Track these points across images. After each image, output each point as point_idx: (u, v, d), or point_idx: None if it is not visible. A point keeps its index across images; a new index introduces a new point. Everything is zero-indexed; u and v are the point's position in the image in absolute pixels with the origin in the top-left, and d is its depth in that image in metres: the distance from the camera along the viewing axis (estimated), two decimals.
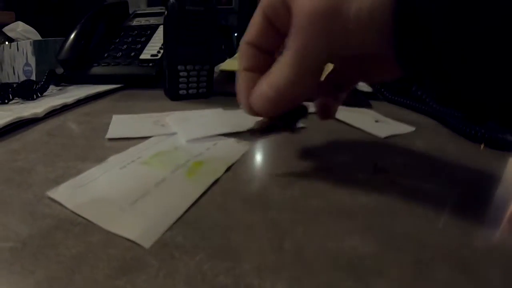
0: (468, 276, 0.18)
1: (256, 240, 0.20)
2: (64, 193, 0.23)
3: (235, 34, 1.25)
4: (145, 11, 0.74)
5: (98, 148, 0.32)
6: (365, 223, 0.22)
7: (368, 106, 0.54)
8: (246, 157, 0.31)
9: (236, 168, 0.28)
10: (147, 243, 0.18)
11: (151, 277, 0.16)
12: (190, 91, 0.51)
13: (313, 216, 0.22)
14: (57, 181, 0.25)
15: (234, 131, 0.36)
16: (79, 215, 0.21)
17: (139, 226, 0.20)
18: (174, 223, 0.21)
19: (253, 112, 0.26)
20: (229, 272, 0.17)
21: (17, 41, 0.73)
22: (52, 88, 0.59)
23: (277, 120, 0.27)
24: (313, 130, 0.40)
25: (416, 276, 0.17)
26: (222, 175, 0.27)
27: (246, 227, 0.21)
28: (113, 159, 0.29)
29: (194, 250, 0.18)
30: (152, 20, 0.70)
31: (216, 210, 0.22)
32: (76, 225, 0.20)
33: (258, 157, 0.32)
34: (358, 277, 0.17)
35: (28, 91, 0.51)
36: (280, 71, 0.23)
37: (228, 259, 0.18)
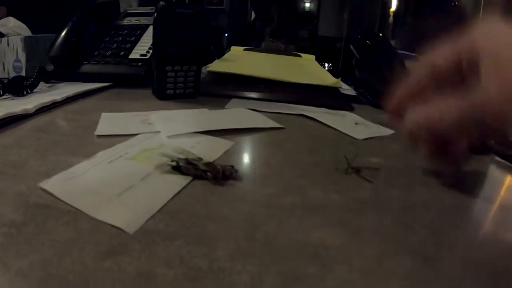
0: (430, 268, 0.20)
1: (230, 230, 0.22)
2: (55, 185, 0.25)
3: (225, 35, 1.27)
4: (136, 11, 0.75)
5: (87, 144, 0.34)
6: (335, 218, 0.24)
7: (350, 108, 0.56)
8: (228, 154, 0.33)
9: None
10: (131, 230, 0.20)
11: (134, 259, 0.18)
12: (178, 91, 0.53)
13: (287, 212, 0.24)
14: (48, 174, 0.27)
15: (216, 128, 0.38)
16: (69, 205, 0.23)
17: (124, 215, 0.22)
18: (157, 212, 0.23)
19: None
20: (204, 256, 0.19)
21: (8, 36, 0.73)
22: (42, 85, 0.59)
23: None
24: (293, 130, 0.42)
25: (378, 266, 0.20)
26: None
27: (222, 218, 0.23)
28: (101, 154, 0.31)
29: (174, 236, 0.20)
30: (143, 20, 0.71)
31: (196, 202, 0.24)
32: (67, 214, 0.22)
33: (240, 155, 0.34)
34: (323, 264, 0.19)
35: (18, 87, 0.52)
36: None
37: (204, 245, 0.20)
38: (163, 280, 0.17)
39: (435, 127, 0.26)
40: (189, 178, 0.27)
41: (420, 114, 0.27)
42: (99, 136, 0.36)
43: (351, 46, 0.65)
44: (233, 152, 0.34)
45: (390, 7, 1.74)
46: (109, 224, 0.21)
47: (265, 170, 0.31)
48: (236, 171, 0.28)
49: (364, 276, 0.19)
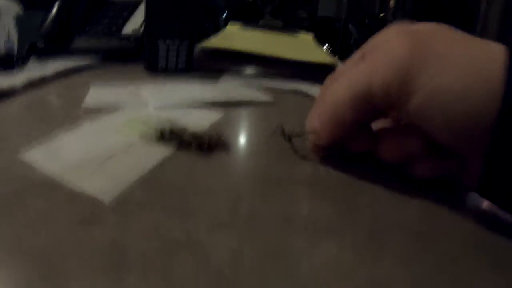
0: (424, 245, 0.19)
1: (213, 202, 0.21)
2: (37, 156, 0.24)
3: (223, 16, 1.24)
4: None
5: (74, 117, 0.33)
6: (325, 192, 0.23)
7: None
8: (216, 125, 0.32)
9: None
10: (107, 199, 0.19)
11: (108, 230, 0.17)
12: (169, 65, 0.51)
13: (274, 185, 0.23)
14: (30, 147, 0.26)
15: (205, 101, 0.37)
16: (47, 176, 0.22)
17: (101, 184, 0.21)
18: (136, 182, 0.22)
19: None
20: (183, 228, 0.18)
21: None
22: (32, 61, 0.58)
23: None
24: (286, 105, 0.41)
25: (370, 240, 0.19)
26: None
27: (205, 190, 0.22)
28: (86, 126, 0.30)
29: (152, 207, 0.19)
30: None
31: (178, 172, 0.23)
32: (44, 185, 0.21)
33: (228, 127, 0.33)
34: (311, 239, 0.18)
35: (8, 64, 0.51)
36: None
37: (184, 217, 0.19)
38: (136, 251, 0.16)
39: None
40: (173, 149, 0.26)
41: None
42: (86, 108, 0.35)
43: (350, 26, 0.64)
44: (221, 124, 0.33)
45: None
46: (86, 194, 0.20)
47: (254, 143, 0.30)
48: (224, 141, 0.27)
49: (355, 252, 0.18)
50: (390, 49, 0.22)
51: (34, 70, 0.52)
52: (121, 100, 0.37)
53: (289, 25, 0.85)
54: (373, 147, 0.25)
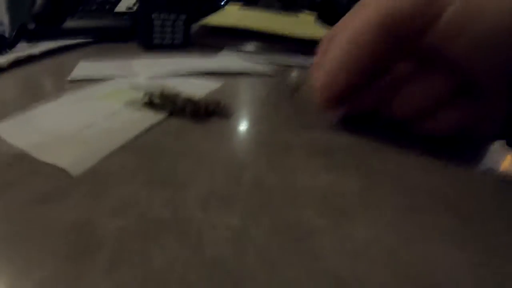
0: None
1: (208, 168, 0.17)
2: (6, 128, 0.20)
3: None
4: None
5: (57, 90, 0.29)
6: (342, 161, 0.19)
7: None
8: (214, 93, 0.28)
9: None
10: (76, 171, 0.16)
11: (73, 206, 0.13)
12: (165, 40, 0.48)
13: (283, 151, 0.19)
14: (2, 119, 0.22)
15: (202, 70, 0.33)
16: (16, 147, 0.18)
17: (72, 154, 0.17)
18: (115, 150, 0.18)
19: None
20: (168, 203, 0.14)
21: None
22: (23, 44, 0.55)
23: None
24: (285, 77, 0.37)
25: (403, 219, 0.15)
26: None
27: (199, 154, 0.18)
28: (67, 97, 0.26)
29: (131, 177, 0.15)
30: None
31: (167, 138, 0.19)
32: (11, 157, 0.17)
33: (226, 95, 0.29)
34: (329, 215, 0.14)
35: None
36: None
37: (170, 190, 0.15)
38: (104, 231, 0.12)
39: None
40: (164, 115, 0.22)
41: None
42: (71, 81, 0.31)
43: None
44: (220, 92, 0.29)
45: None
46: (53, 166, 0.16)
47: (257, 109, 0.26)
48: (223, 107, 0.23)
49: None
50: None
51: (24, 51, 0.48)
52: (110, 72, 0.33)
53: (290, 6, 0.82)
54: (383, 103, 0.21)
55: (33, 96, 0.28)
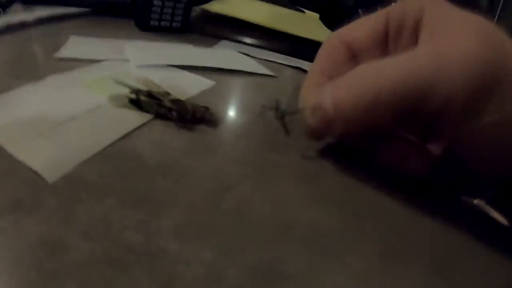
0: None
1: (189, 189, 0.16)
2: None
3: None
4: None
5: (42, 67, 0.28)
6: (327, 193, 0.19)
7: None
8: (205, 95, 0.27)
9: None
10: (51, 177, 0.15)
11: (42, 221, 0.13)
12: (163, 23, 0.46)
13: (269, 174, 0.19)
14: None
15: (197, 64, 0.32)
16: None
17: (48, 156, 0.16)
18: (93, 156, 0.17)
19: None
20: (142, 227, 0.14)
21: None
22: (17, 7, 0.52)
23: None
24: (285, 80, 0.37)
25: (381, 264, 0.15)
26: None
27: (182, 173, 0.17)
28: (51, 79, 0.25)
29: (106, 192, 0.15)
30: None
31: (149, 147, 0.19)
32: None
33: (219, 97, 0.28)
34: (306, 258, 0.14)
35: None
36: None
37: (146, 210, 0.14)
38: (73, 256, 0.12)
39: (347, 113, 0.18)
40: (148, 116, 0.21)
41: (325, 97, 0.19)
42: (59, 59, 0.30)
43: (360, 10, 0.59)
44: (212, 93, 0.28)
45: None
46: (28, 167, 0.15)
47: (246, 119, 0.25)
48: (211, 114, 0.22)
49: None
50: (462, 40, 0.17)
51: (16, 15, 0.46)
52: (100, 54, 0.31)
53: (298, 1, 0.80)
54: (374, 148, 0.21)
55: (16, 73, 0.26)
